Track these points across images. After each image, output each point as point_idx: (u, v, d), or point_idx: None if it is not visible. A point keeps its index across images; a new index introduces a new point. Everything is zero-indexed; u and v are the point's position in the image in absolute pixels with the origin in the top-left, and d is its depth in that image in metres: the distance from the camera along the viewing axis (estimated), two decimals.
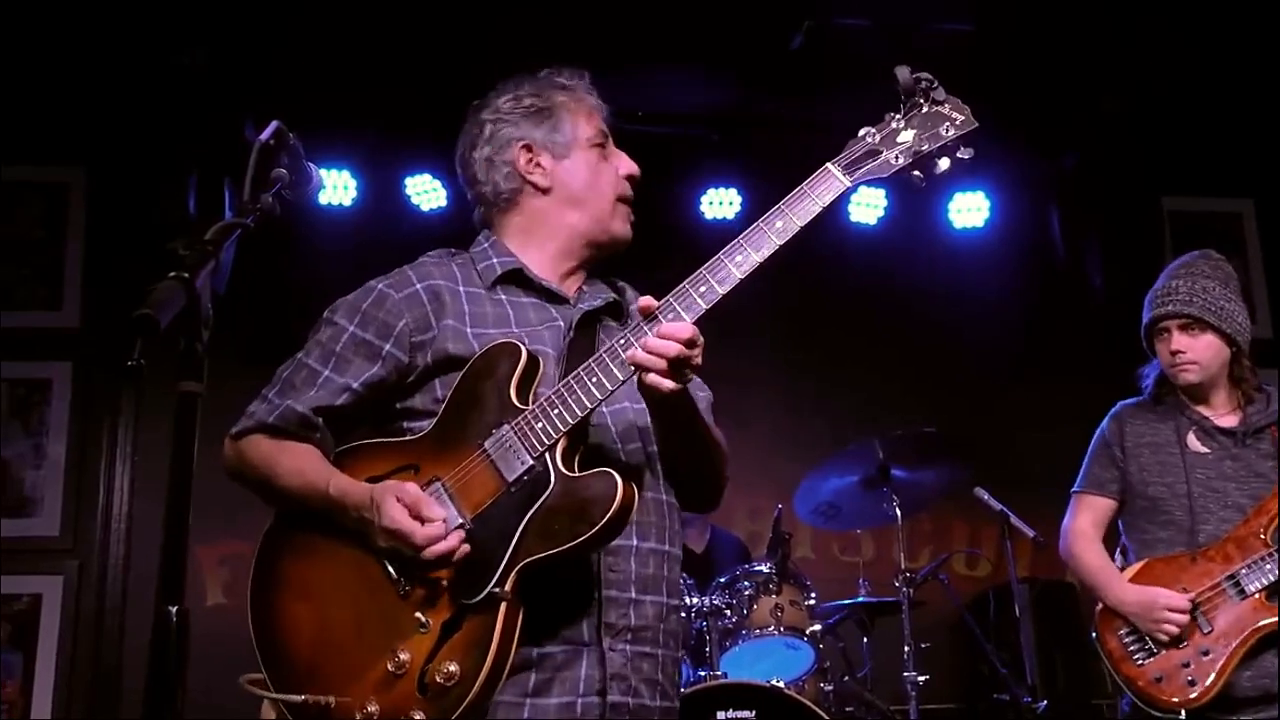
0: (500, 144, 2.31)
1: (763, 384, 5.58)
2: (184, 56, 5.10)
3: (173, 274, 1.56)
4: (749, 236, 2.03)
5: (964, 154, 2.04)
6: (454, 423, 2.07)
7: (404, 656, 1.94)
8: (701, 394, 2.30)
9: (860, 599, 4.74)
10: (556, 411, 1.98)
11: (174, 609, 1.49)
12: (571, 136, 2.29)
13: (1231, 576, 3.33)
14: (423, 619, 1.95)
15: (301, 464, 2.10)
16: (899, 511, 4.57)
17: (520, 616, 1.94)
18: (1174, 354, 3.51)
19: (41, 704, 5.19)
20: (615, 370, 1.99)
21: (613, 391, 1.99)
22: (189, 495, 1.54)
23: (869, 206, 6.12)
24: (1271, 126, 5.82)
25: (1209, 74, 5.66)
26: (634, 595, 2.10)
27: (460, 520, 1.97)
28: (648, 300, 2.01)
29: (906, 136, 2.05)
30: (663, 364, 1.94)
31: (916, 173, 2.06)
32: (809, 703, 3.94)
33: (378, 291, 2.20)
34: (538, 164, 2.29)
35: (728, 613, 4.32)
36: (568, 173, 2.28)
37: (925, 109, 2.05)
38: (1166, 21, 5.29)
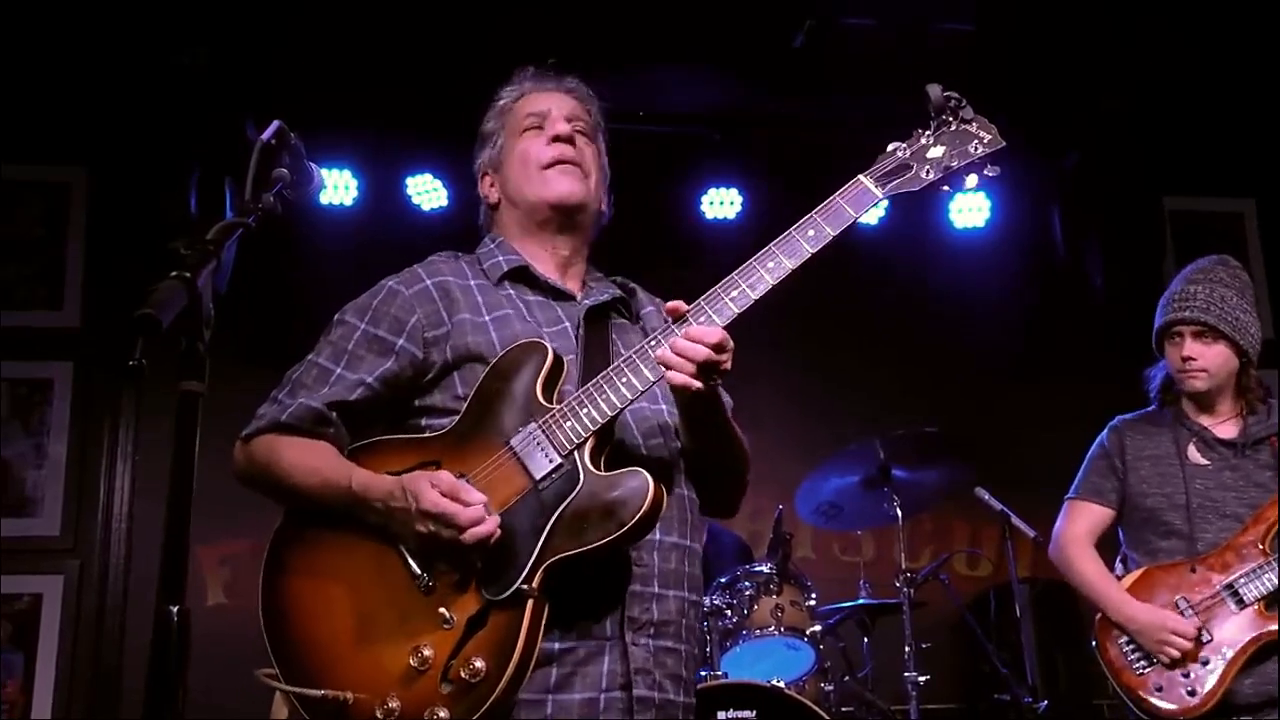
0: (476, 179, 2.45)
1: (763, 384, 5.58)
2: (185, 56, 5.10)
3: (174, 273, 1.56)
4: (782, 244, 2.04)
5: (991, 171, 2.10)
6: (478, 420, 2.07)
7: (427, 652, 1.93)
8: (723, 399, 2.30)
9: (861, 600, 4.74)
10: (586, 411, 1.99)
11: (175, 609, 1.49)
12: (504, 141, 2.36)
13: (1230, 586, 3.33)
14: (447, 615, 1.95)
15: (318, 461, 2.10)
16: (900, 511, 4.57)
17: (545, 613, 1.94)
18: (1185, 360, 3.50)
19: (42, 704, 5.20)
20: (646, 371, 2.00)
21: (643, 392, 2.01)
22: (190, 495, 1.54)
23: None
24: (1272, 126, 5.82)
25: (1210, 74, 5.66)
26: (657, 590, 2.10)
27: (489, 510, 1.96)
28: (678, 303, 2.03)
29: (936, 153, 2.10)
30: (690, 366, 1.96)
31: (945, 187, 2.12)
32: (809, 703, 3.94)
33: (388, 289, 2.22)
34: (492, 184, 2.40)
35: (728, 613, 4.32)
36: (506, 176, 2.36)
37: (954, 126, 2.11)
38: (1167, 21, 5.29)
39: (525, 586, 1.92)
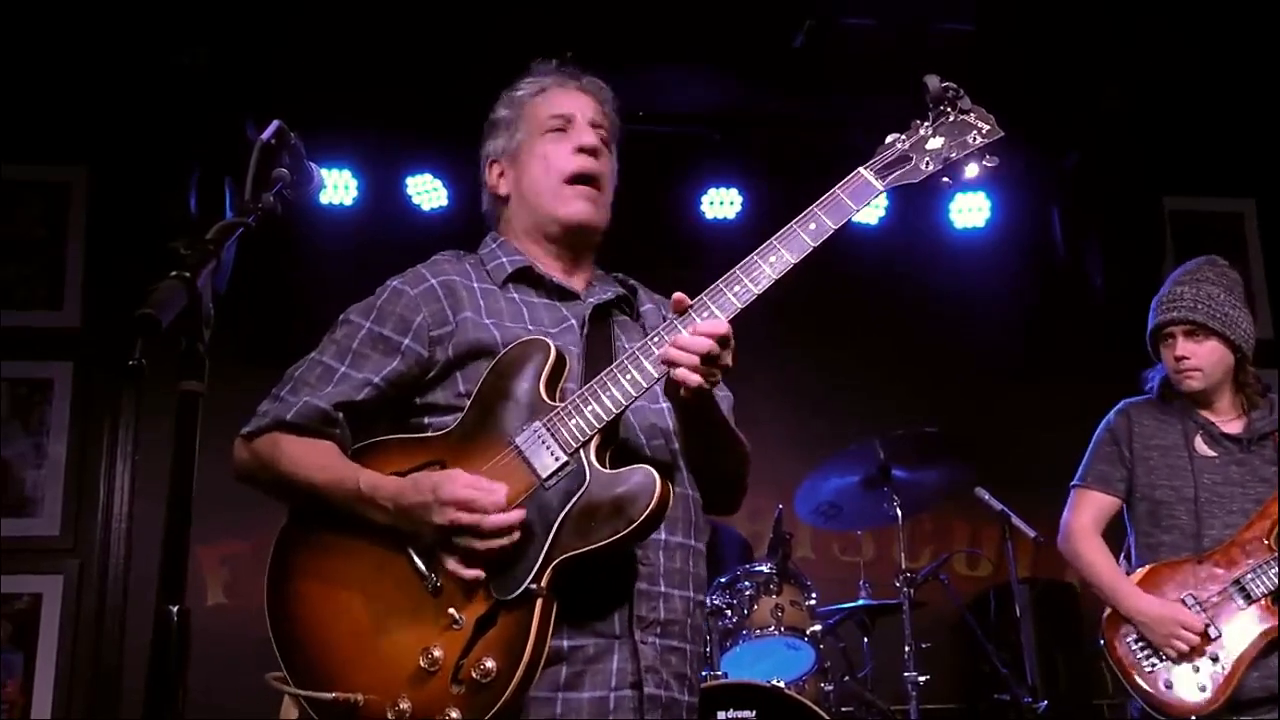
0: (482, 165, 2.40)
1: (763, 384, 5.57)
2: (185, 56, 5.10)
3: (174, 273, 1.56)
4: (783, 238, 2.04)
5: (990, 161, 2.10)
6: (481, 419, 2.06)
7: (437, 653, 1.93)
8: (722, 394, 2.29)
9: (861, 600, 4.74)
10: (590, 408, 1.99)
11: (175, 609, 1.49)
12: (524, 135, 2.33)
13: (1237, 581, 3.34)
14: (456, 615, 1.94)
15: (324, 460, 2.09)
16: (900, 511, 4.56)
17: (554, 612, 1.94)
18: (1178, 360, 3.52)
19: (42, 704, 5.20)
20: (650, 368, 2.00)
21: (648, 389, 2.00)
22: (190, 495, 1.54)
23: (870, 206, 6.10)
24: (1273, 126, 5.82)
25: (1210, 74, 5.66)
26: (663, 589, 2.10)
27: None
28: (681, 297, 2.03)
29: (935, 144, 2.10)
30: (694, 360, 1.95)
31: (945, 178, 2.12)
32: (809, 703, 3.94)
33: (392, 288, 2.21)
34: (502, 175, 2.36)
35: (728, 613, 4.32)
36: (520, 173, 2.33)
37: (953, 117, 2.11)
38: (1167, 21, 5.29)
39: (534, 586, 1.91)
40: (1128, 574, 3.51)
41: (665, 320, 2.23)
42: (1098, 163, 6.00)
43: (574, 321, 2.21)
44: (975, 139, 2.09)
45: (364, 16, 5.10)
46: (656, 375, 2.00)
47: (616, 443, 2.08)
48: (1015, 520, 4.73)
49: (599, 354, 2.16)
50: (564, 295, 2.26)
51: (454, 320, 2.15)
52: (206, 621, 5.13)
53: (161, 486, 1.52)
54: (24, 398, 5.51)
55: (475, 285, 2.22)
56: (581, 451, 1.98)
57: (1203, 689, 3.28)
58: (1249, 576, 3.33)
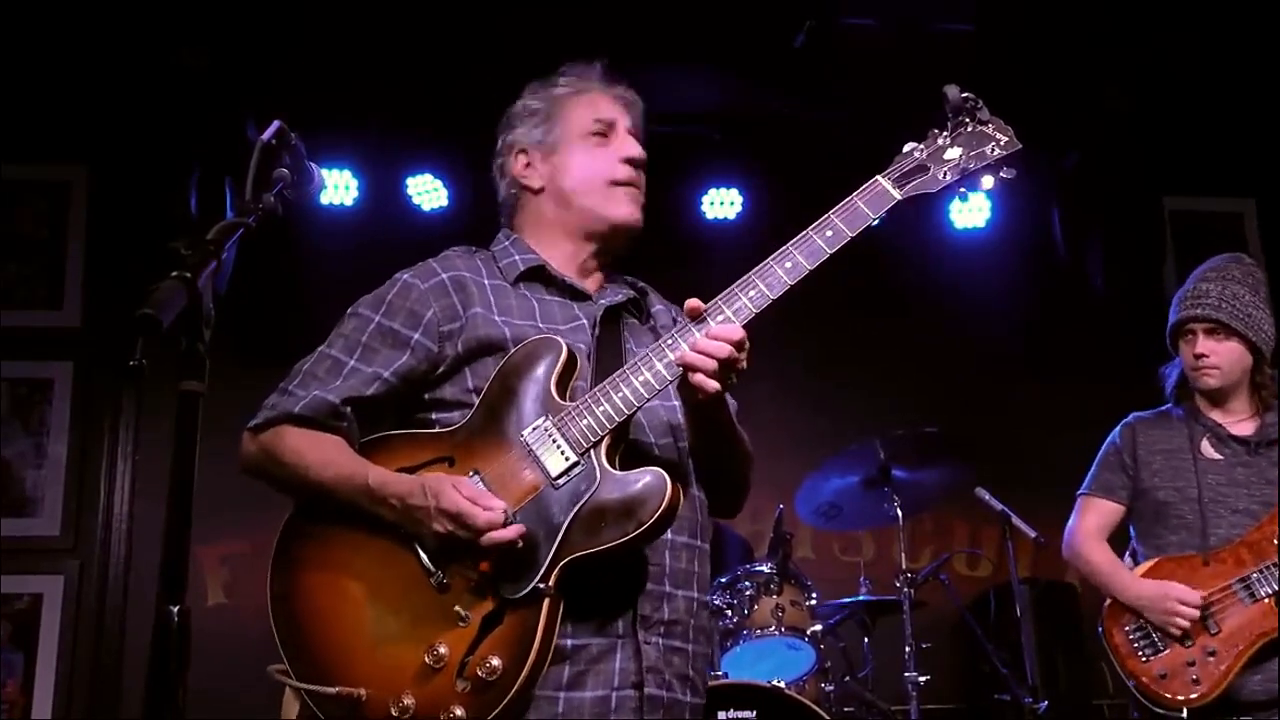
0: (503, 152, 2.36)
1: (763, 384, 5.56)
2: (185, 56, 5.10)
3: (174, 273, 1.56)
4: (799, 244, 2.05)
5: (1007, 173, 2.10)
6: (491, 416, 2.05)
7: (442, 650, 1.92)
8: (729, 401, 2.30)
9: (861, 598, 4.74)
10: (602, 408, 1.99)
11: (175, 609, 1.49)
12: (562, 132, 2.31)
13: (1243, 580, 3.35)
14: (462, 612, 1.94)
15: (333, 455, 2.08)
16: (900, 512, 4.56)
17: (561, 611, 1.94)
18: (1197, 357, 3.52)
19: (42, 704, 5.20)
20: (662, 369, 2.00)
21: (660, 391, 2.00)
22: (190, 495, 1.54)
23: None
24: (1273, 126, 5.82)
25: (1210, 74, 5.65)
26: (668, 589, 2.09)
27: (509, 512, 1.95)
28: (695, 302, 2.02)
29: (953, 154, 2.10)
30: (712, 364, 1.95)
31: (961, 188, 2.12)
32: (810, 703, 3.94)
33: (403, 282, 2.20)
34: (530, 165, 2.32)
35: (728, 613, 4.32)
36: (557, 169, 2.30)
37: (971, 127, 2.11)
38: (1168, 21, 5.28)
39: (542, 585, 1.91)
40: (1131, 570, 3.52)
41: (676, 323, 2.24)
42: (1098, 163, 6.00)
43: (585, 321, 2.21)
44: (994, 150, 2.09)
45: (364, 16, 5.10)
46: (669, 377, 1.99)
47: (626, 443, 2.07)
48: (1015, 520, 4.73)
49: (609, 355, 2.15)
50: (575, 295, 2.26)
51: (464, 316, 2.14)
52: (207, 621, 5.13)
53: (162, 486, 1.52)
54: (24, 397, 5.51)
55: (486, 281, 2.21)
56: (592, 452, 1.98)
57: (1196, 681, 3.28)
58: (1255, 576, 3.34)
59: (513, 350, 2.08)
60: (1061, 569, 5.78)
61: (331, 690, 1.94)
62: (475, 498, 1.93)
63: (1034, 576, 5.69)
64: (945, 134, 2.12)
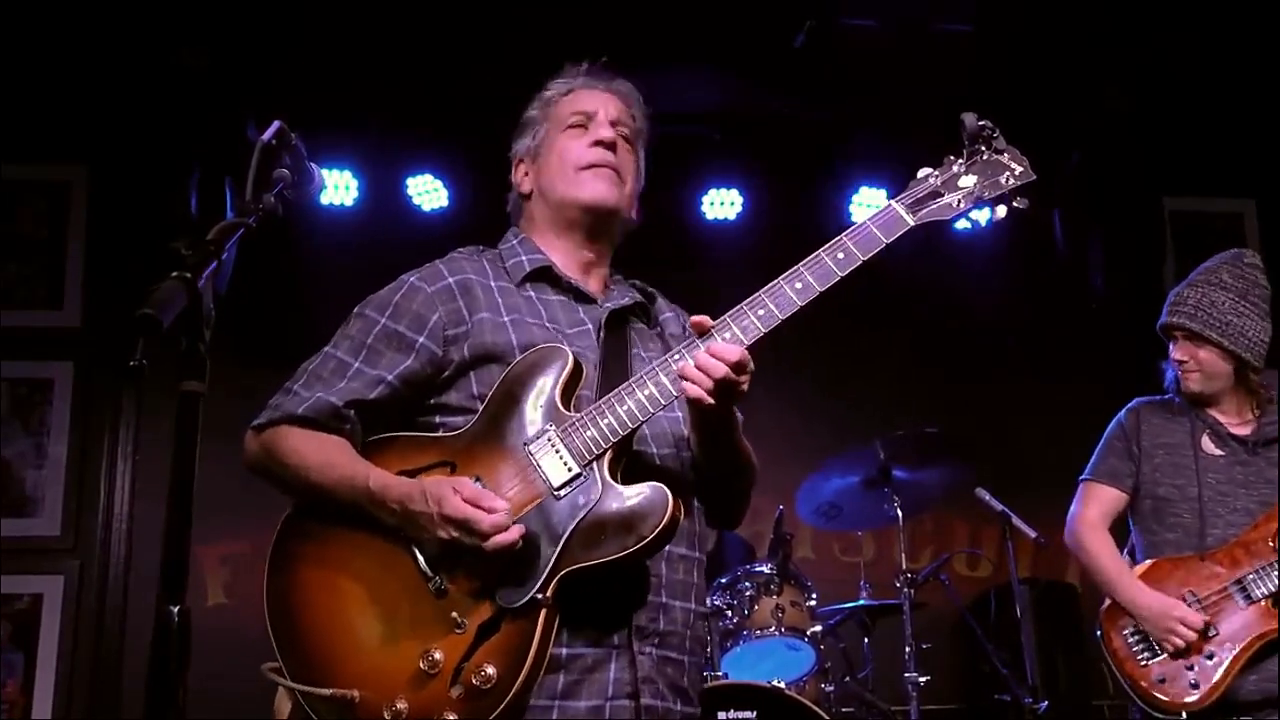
0: (510, 163, 2.41)
1: (763, 384, 5.56)
2: (185, 56, 5.10)
3: (174, 274, 1.56)
4: (810, 265, 2.04)
5: (1020, 203, 2.12)
6: (495, 423, 2.05)
7: (438, 656, 1.92)
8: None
9: (861, 600, 4.74)
10: (606, 421, 1.98)
11: (175, 609, 1.49)
12: (545, 134, 2.33)
13: (1238, 581, 3.34)
14: (459, 619, 1.93)
15: (335, 457, 2.07)
16: (900, 512, 4.56)
17: (557, 621, 1.94)
18: (1177, 362, 3.54)
19: (42, 704, 5.19)
20: (668, 384, 2.00)
21: (664, 406, 2.00)
22: (191, 495, 1.54)
23: (870, 207, 6.12)
24: (1273, 127, 5.82)
25: (1210, 74, 5.66)
26: (664, 600, 2.09)
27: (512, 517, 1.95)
28: (702, 318, 2.02)
29: (968, 182, 2.11)
30: (709, 382, 1.95)
31: (974, 214, 2.14)
32: (810, 703, 3.94)
33: (409, 285, 2.20)
34: (525, 174, 2.36)
35: (729, 613, 4.32)
36: (541, 170, 2.33)
37: (986, 156, 2.12)
38: (1168, 21, 5.28)
39: (540, 596, 1.91)
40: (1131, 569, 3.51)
41: (685, 332, 2.23)
42: (1098, 163, 6.00)
43: (590, 325, 2.20)
44: (1008, 180, 2.10)
45: (364, 17, 5.10)
46: (675, 392, 1.99)
47: (629, 455, 2.07)
48: (1015, 521, 4.73)
49: (614, 360, 2.15)
50: (581, 297, 2.25)
51: (469, 320, 2.14)
52: (207, 621, 5.12)
53: (162, 487, 1.52)
54: (24, 398, 5.51)
55: (493, 284, 2.21)
56: (595, 464, 1.97)
57: (1195, 686, 3.28)
58: (1251, 577, 3.34)
59: (519, 357, 2.08)
60: (1062, 569, 5.79)
61: (325, 691, 1.93)
62: (477, 499, 1.92)
63: (1034, 577, 5.69)
64: (960, 161, 2.12)
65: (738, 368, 1.97)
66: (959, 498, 5.07)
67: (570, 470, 1.97)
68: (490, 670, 1.88)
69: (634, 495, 1.95)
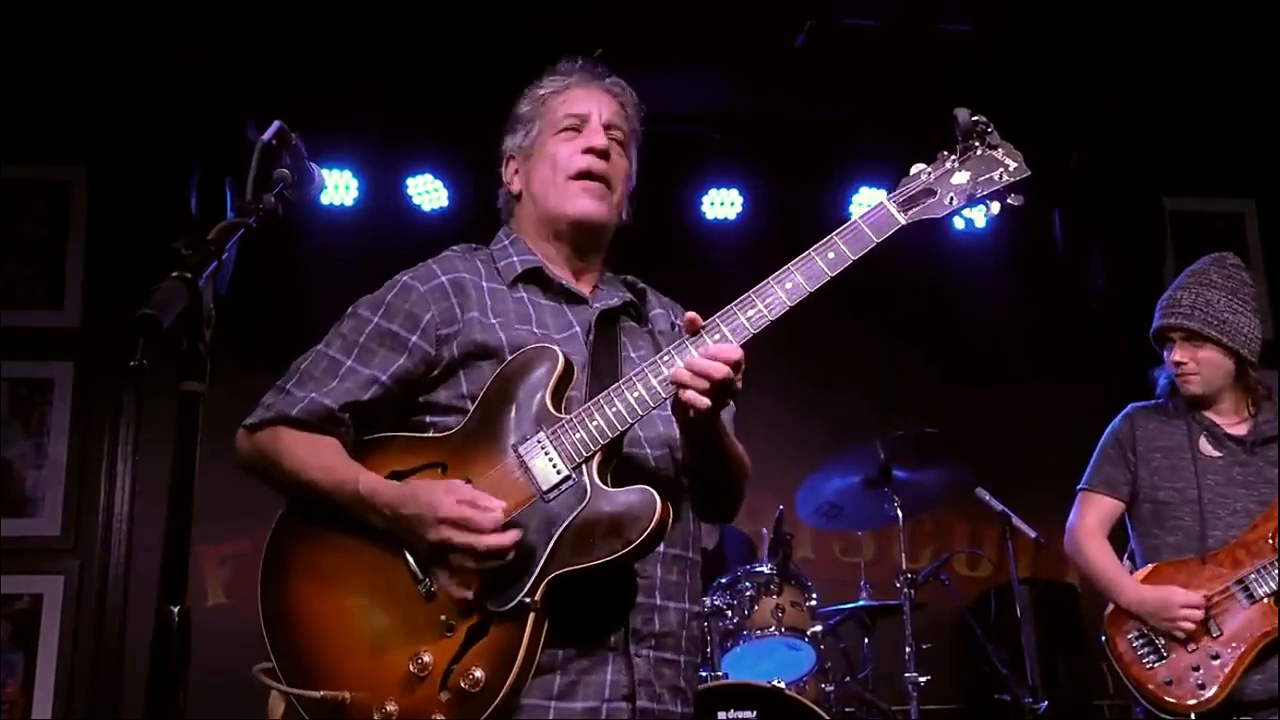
0: (500, 160, 2.39)
1: (764, 385, 5.54)
2: (185, 56, 5.10)
3: (175, 273, 1.56)
4: (800, 265, 2.02)
5: (1014, 200, 2.09)
6: (484, 424, 2.05)
7: (427, 659, 1.92)
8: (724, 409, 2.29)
9: (861, 601, 4.74)
10: (595, 423, 1.97)
11: (175, 609, 1.49)
12: (539, 133, 2.31)
13: (1240, 581, 3.34)
14: (448, 622, 1.93)
15: (326, 459, 2.07)
16: (900, 512, 4.56)
17: (546, 626, 1.93)
18: (1177, 365, 3.52)
19: (42, 704, 5.20)
20: (657, 386, 1.98)
21: (654, 408, 1.99)
22: (191, 495, 1.54)
23: (870, 207, 6.10)
24: (1273, 127, 5.82)
25: (1210, 74, 5.65)
26: (659, 601, 2.09)
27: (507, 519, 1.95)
28: (694, 316, 2.01)
29: (961, 179, 2.08)
30: (705, 384, 1.93)
31: (967, 211, 2.10)
32: (810, 703, 3.94)
33: (403, 284, 2.19)
34: (516, 171, 2.35)
35: (729, 613, 4.32)
36: (530, 171, 2.31)
37: (980, 152, 2.09)
38: (1168, 21, 5.28)
39: (528, 600, 1.91)
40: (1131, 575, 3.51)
41: (674, 329, 2.21)
42: (1098, 163, 6.00)
43: (579, 329, 2.20)
44: (1002, 176, 2.07)
45: (364, 17, 5.10)
46: (664, 395, 1.98)
47: (619, 457, 2.06)
48: (1015, 520, 4.73)
49: (604, 361, 2.15)
50: (571, 299, 2.25)
51: (461, 319, 2.14)
52: (207, 621, 5.12)
53: (162, 487, 1.52)
54: (24, 398, 5.51)
55: (484, 284, 2.21)
56: (584, 466, 1.97)
57: (1201, 687, 3.28)
58: (1252, 577, 3.34)
59: (510, 357, 2.08)
60: (1062, 569, 5.78)
61: (316, 694, 1.94)
62: (473, 500, 1.92)
63: (1034, 577, 5.70)
64: (954, 157, 2.09)
65: (735, 366, 1.95)
66: (959, 498, 5.07)
67: (560, 473, 1.97)
68: (479, 673, 1.88)
69: (622, 499, 1.94)
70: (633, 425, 2.00)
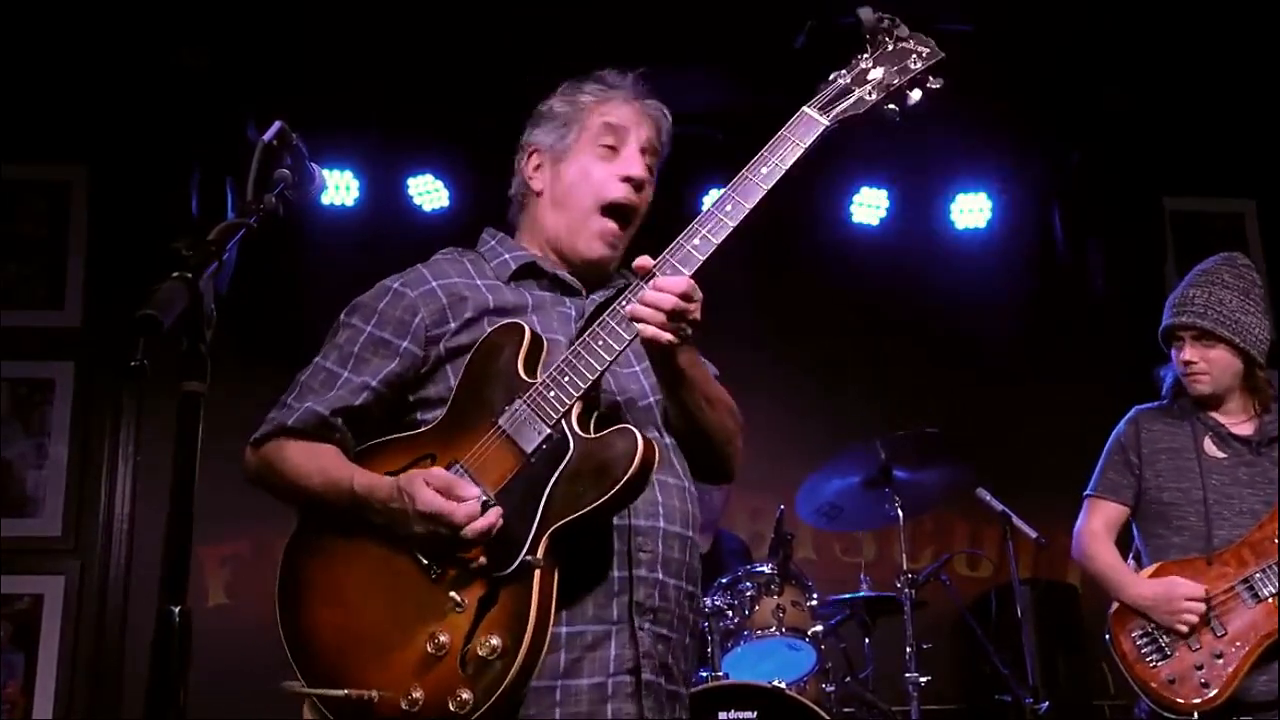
0: (523, 148, 2.38)
1: (764, 385, 5.57)
2: (185, 56, 5.10)
3: (175, 274, 1.56)
4: (736, 186, 2.08)
5: (934, 84, 2.12)
6: (465, 406, 2.09)
7: (443, 638, 1.94)
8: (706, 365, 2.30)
9: (862, 592, 4.74)
10: (568, 378, 2.01)
11: (176, 609, 1.49)
12: (574, 140, 2.30)
13: (1246, 580, 3.34)
14: (458, 598, 1.96)
15: (323, 463, 2.11)
16: (901, 512, 4.56)
17: (555, 581, 1.95)
18: (1186, 364, 3.51)
19: (43, 704, 5.19)
20: (621, 331, 2.02)
21: (621, 351, 2.02)
22: (192, 495, 1.54)
23: (871, 208, 6.12)
24: (1273, 127, 5.82)
25: (1211, 73, 5.65)
26: (660, 576, 2.11)
27: (485, 498, 1.97)
28: (643, 259, 2.05)
29: (877, 74, 2.12)
30: (660, 317, 1.98)
31: (891, 106, 2.12)
32: (810, 703, 3.94)
33: (393, 290, 2.22)
34: (540, 168, 2.33)
35: (729, 613, 4.32)
36: (559, 176, 2.30)
37: (891, 46, 2.13)
38: (1168, 21, 5.28)
39: (530, 558, 1.93)
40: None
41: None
42: (1098, 163, 6.00)
43: (573, 312, 2.23)
44: (915, 62, 2.10)
45: (364, 17, 5.10)
46: (628, 338, 2.01)
47: (600, 410, 2.10)
48: (1016, 521, 4.73)
49: None
50: (567, 290, 2.28)
51: (452, 320, 2.17)
52: (208, 622, 5.13)
53: (163, 487, 1.52)
54: (25, 398, 5.51)
55: (479, 282, 2.24)
56: (563, 421, 2.00)
57: (1205, 686, 3.28)
58: (1258, 576, 3.33)
59: (479, 340, 2.11)
60: (1062, 569, 5.78)
61: (340, 693, 1.95)
62: (449, 488, 1.95)
63: (1035, 577, 5.69)
64: (866, 55, 2.13)
65: (685, 297, 1.99)
66: (959, 498, 5.07)
67: (540, 434, 2.00)
68: (495, 641, 1.90)
69: (605, 443, 1.98)
70: (603, 373, 2.03)
